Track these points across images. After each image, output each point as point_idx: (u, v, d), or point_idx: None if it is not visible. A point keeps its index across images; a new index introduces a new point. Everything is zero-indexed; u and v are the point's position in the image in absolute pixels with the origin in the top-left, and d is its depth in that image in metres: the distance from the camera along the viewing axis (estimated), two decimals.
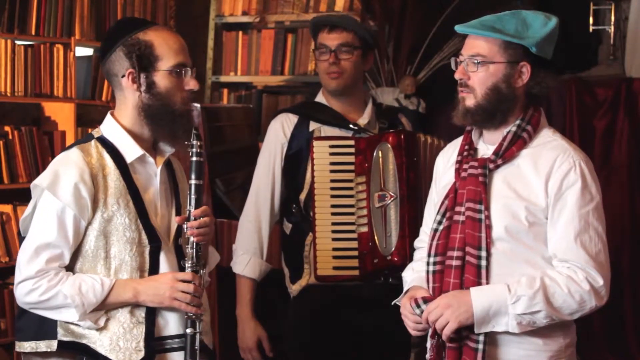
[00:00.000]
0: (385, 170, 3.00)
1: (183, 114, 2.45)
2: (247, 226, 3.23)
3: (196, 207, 2.44)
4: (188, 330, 2.42)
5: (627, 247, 4.36)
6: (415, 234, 2.77)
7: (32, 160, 4.42)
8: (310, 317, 3.16)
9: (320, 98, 3.27)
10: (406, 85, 4.63)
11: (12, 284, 4.43)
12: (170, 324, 2.46)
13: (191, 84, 2.46)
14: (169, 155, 2.55)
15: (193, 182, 2.46)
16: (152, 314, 2.43)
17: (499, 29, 2.43)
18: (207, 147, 3.87)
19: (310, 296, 3.15)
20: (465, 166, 2.49)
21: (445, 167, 2.63)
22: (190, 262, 2.45)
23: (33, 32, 4.47)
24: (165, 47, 2.44)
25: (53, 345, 2.41)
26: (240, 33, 5.26)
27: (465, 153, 2.52)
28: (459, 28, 2.49)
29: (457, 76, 2.48)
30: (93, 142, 2.47)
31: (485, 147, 2.53)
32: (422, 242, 2.66)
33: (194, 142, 2.45)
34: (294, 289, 3.19)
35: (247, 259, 3.23)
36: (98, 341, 2.39)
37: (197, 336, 2.42)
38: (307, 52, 4.94)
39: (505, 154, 2.46)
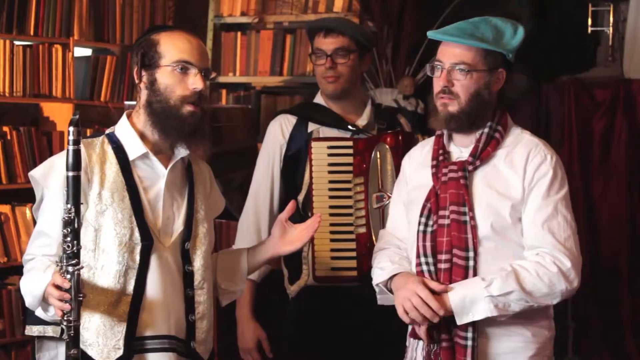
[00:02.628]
0: (383, 171, 3.00)
1: (179, 113, 2.43)
2: (247, 227, 3.23)
3: (74, 202, 2.25)
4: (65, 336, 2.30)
5: (625, 247, 4.37)
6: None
7: (31, 160, 4.42)
8: (309, 317, 3.16)
9: (318, 99, 3.27)
10: (405, 86, 4.63)
11: (11, 284, 4.48)
12: (154, 324, 2.43)
13: (195, 83, 2.43)
14: (190, 157, 2.55)
15: (70, 174, 2.27)
16: (135, 313, 2.41)
17: (479, 37, 2.50)
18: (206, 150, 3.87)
19: (308, 297, 3.15)
20: (444, 170, 2.54)
21: (412, 169, 2.68)
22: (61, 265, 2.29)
23: (32, 33, 4.47)
24: (169, 45, 2.45)
25: (59, 330, 2.43)
26: (239, 34, 5.25)
27: (440, 157, 2.58)
28: (434, 35, 2.56)
29: (441, 83, 2.54)
30: (101, 137, 2.49)
31: (458, 150, 2.60)
32: (389, 243, 2.70)
33: (70, 128, 2.25)
34: (293, 289, 3.19)
35: None
36: (80, 336, 2.36)
37: (69, 343, 2.27)
38: (305, 53, 4.93)
39: (482, 154, 2.53)
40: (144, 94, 2.47)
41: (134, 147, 2.47)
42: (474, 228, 2.46)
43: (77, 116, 2.25)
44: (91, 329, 2.38)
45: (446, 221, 2.49)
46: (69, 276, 2.24)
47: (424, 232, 2.53)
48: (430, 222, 2.52)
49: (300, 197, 3.15)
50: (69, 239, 2.25)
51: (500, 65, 2.52)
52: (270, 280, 3.30)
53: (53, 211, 2.40)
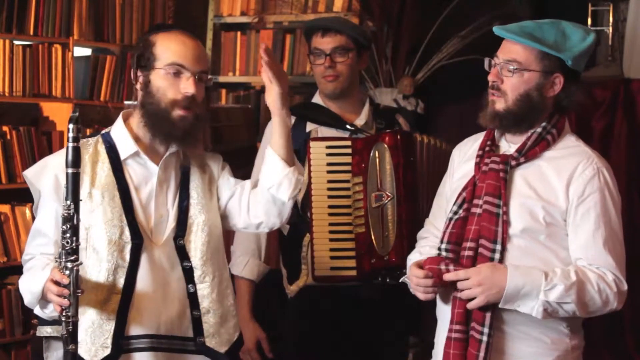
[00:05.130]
0: (382, 170, 3.00)
1: (169, 117, 2.43)
2: None
3: (73, 199, 2.27)
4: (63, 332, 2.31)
5: (625, 247, 4.36)
6: (413, 233, 2.78)
7: (30, 160, 4.42)
8: (308, 317, 3.16)
9: (317, 99, 3.27)
10: (404, 86, 4.63)
11: (11, 284, 4.48)
12: (142, 324, 2.43)
13: (187, 88, 2.43)
14: (186, 153, 2.54)
15: (69, 170, 2.27)
16: (124, 311, 2.41)
17: (539, 37, 2.44)
18: (206, 148, 3.87)
19: (307, 297, 3.15)
20: (486, 160, 2.51)
21: (460, 160, 2.65)
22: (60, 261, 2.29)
23: (31, 32, 4.47)
24: (164, 47, 2.45)
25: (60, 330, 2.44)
26: (239, 33, 5.26)
27: (487, 148, 2.55)
28: (497, 30, 2.49)
29: (490, 78, 2.50)
30: (96, 137, 2.51)
31: (507, 145, 2.56)
32: (428, 232, 2.68)
33: (70, 125, 2.26)
34: (292, 289, 3.19)
35: (245, 261, 3.23)
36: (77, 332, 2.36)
37: (67, 338, 2.27)
38: (305, 53, 4.92)
39: (529, 153, 2.49)
40: (139, 95, 2.48)
41: (126, 146, 2.49)
42: (506, 223, 2.43)
43: (77, 114, 2.27)
44: (80, 326, 2.36)
45: (478, 210, 2.46)
46: (67, 272, 2.25)
47: (451, 219, 2.51)
48: (460, 210, 2.50)
49: (299, 197, 3.14)
50: (67, 235, 2.26)
51: (557, 70, 2.45)
52: (270, 280, 3.30)
53: (47, 211, 2.43)
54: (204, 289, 2.51)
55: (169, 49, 2.45)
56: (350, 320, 3.12)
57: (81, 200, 2.31)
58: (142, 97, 2.47)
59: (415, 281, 2.47)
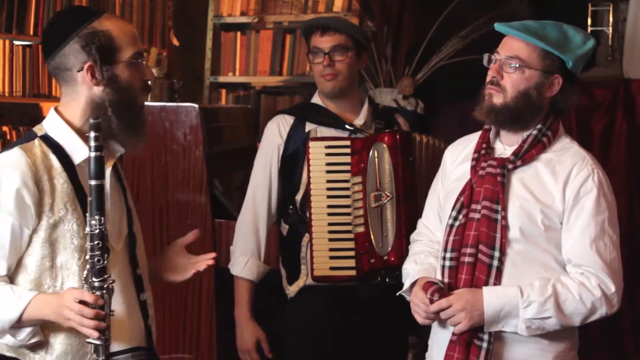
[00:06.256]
0: (381, 170, 3.00)
1: (142, 110, 2.31)
2: (245, 228, 3.22)
3: (98, 211, 2.12)
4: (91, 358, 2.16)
5: (623, 247, 4.34)
6: (412, 233, 2.77)
7: None
8: (308, 317, 3.16)
9: (316, 99, 3.27)
10: (404, 86, 4.64)
11: None
12: (122, 338, 2.28)
13: (149, 74, 2.32)
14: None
15: (93, 182, 2.13)
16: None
17: (542, 36, 2.45)
18: (206, 148, 3.88)
19: (307, 297, 3.15)
20: (483, 164, 2.50)
21: (454, 162, 2.64)
22: (89, 281, 2.15)
23: (31, 32, 4.48)
24: (122, 36, 2.25)
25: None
26: (239, 33, 5.26)
27: (482, 151, 2.54)
28: (500, 27, 2.49)
29: (490, 73, 2.50)
30: (37, 140, 2.25)
31: (502, 147, 2.56)
32: (421, 234, 2.68)
33: (92, 133, 2.11)
34: (291, 289, 3.19)
35: (244, 261, 3.23)
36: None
37: None
38: (305, 53, 4.94)
39: (525, 155, 2.48)
40: (92, 90, 2.24)
41: (77, 150, 2.26)
42: (505, 228, 2.42)
43: (99, 120, 2.12)
44: (56, 352, 2.21)
45: (477, 215, 2.46)
46: (98, 292, 2.11)
47: (452, 226, 2.51)
48: (460, 216, 2.50)
49: (298, 197, 3.15)
50: (97, 252, 2.11)
51: (557, 71, 2.46)
52: (269, 280, 3.30)
53: (1, 230, 2.18)
54: (149, 298, 2.40)
55: (126, 36, 2.26)
56: (349, 320, 3.12)
57: (101, 216, 2.15)
58: (109, 95, 2.24)
59: (423, 307, 2.46)
